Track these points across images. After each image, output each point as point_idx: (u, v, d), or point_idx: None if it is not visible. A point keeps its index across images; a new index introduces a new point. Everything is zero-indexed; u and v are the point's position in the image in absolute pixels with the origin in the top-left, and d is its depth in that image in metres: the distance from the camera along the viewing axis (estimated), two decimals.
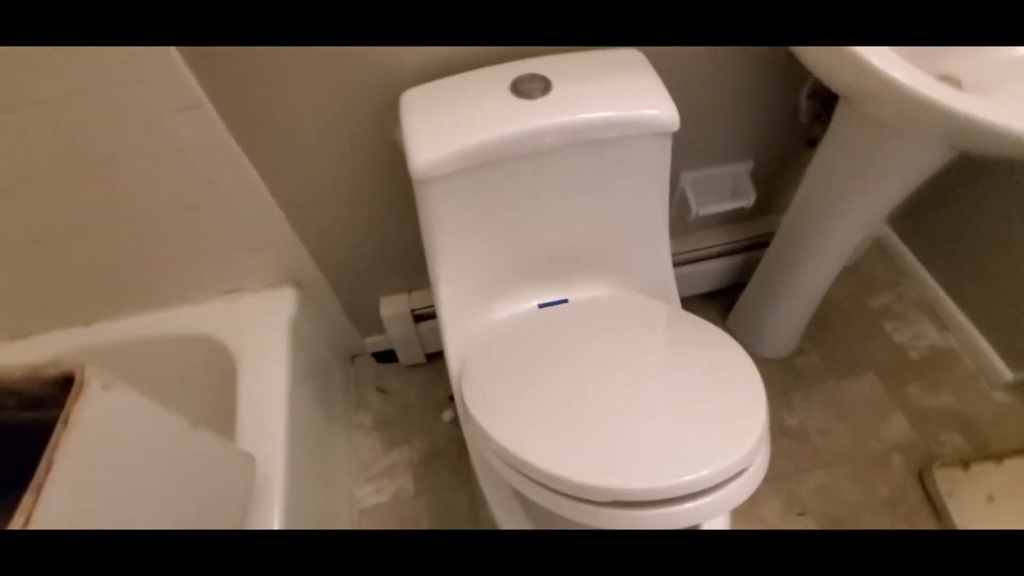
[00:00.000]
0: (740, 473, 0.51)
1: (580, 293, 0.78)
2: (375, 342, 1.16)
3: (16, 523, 0.36)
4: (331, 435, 0.99)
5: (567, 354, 0.66)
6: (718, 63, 0.78)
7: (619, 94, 0.61)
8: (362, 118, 0.72)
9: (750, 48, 0.77)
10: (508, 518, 0.68)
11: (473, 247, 0.69)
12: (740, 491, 0.51)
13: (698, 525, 0.60)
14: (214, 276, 0.88)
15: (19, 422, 0.49)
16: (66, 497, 0.39)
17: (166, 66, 0.58)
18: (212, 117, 0.65)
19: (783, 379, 1.13)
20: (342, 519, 0.94)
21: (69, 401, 0.41)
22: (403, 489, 1.02)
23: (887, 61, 0.55)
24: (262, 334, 0.87)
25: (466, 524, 0.98)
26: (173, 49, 0.57)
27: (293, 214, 0.82)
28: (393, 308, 1.03)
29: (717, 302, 1.22)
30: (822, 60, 0.64)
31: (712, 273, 1.15)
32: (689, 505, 0.49)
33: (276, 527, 0.68)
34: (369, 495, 1.01)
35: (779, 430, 1.07)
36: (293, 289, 0.93)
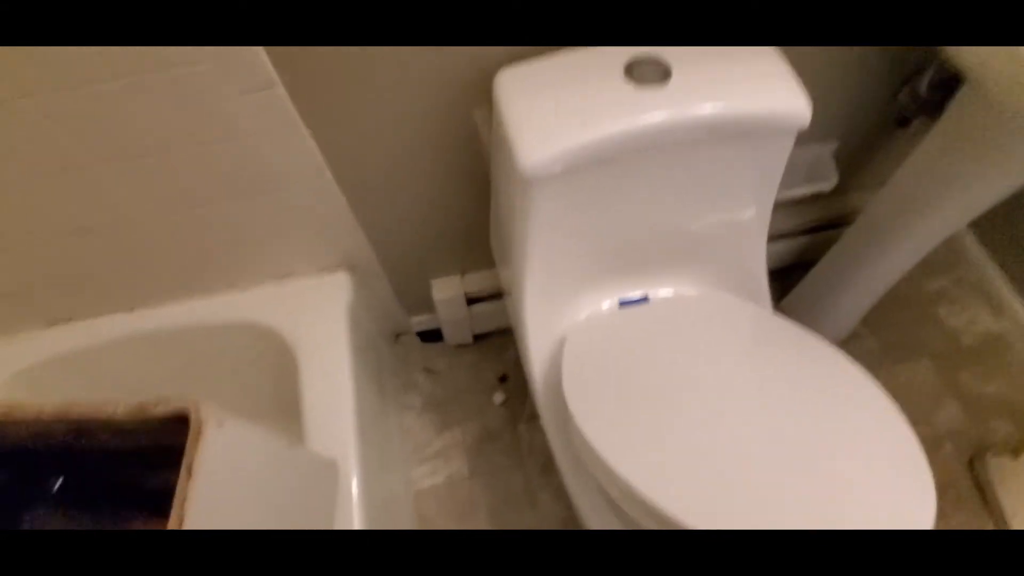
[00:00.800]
0: None
1: (663, 290, 0.74)
2: (420, 321, 1.12)
3: None
4: (386, 417, 0.97)
5: (676, 369, 0.63)
6: None
7: (747, 85, 0.55)
8: (439, 96, 0.65)
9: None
10: (597, 519, 0.67)
11: (566, 245, 0.64)
12: None
13: None
14: (266, 260, 0.82)
15: (111, 445, 0.45)
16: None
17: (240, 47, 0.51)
18: (282, 97, 0.57)
19: None
20: (401, 502, 0.93)
21: (189, 448, 0.37)
22: (457, 471, 1.01)
23: None
24: (320, 323, 0.83)
25: (523, 506, 0.98)
26: None
27: (355, 197, 0.76)
28: (446, 291, 0.98)
29: (771, 281, 1.18)
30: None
31: (773, 254, 1.10)
32: None
33: (357, 526, 0.67)
34: (424, 476, 1.01)
35: None
36: (347, 274, 0.88)
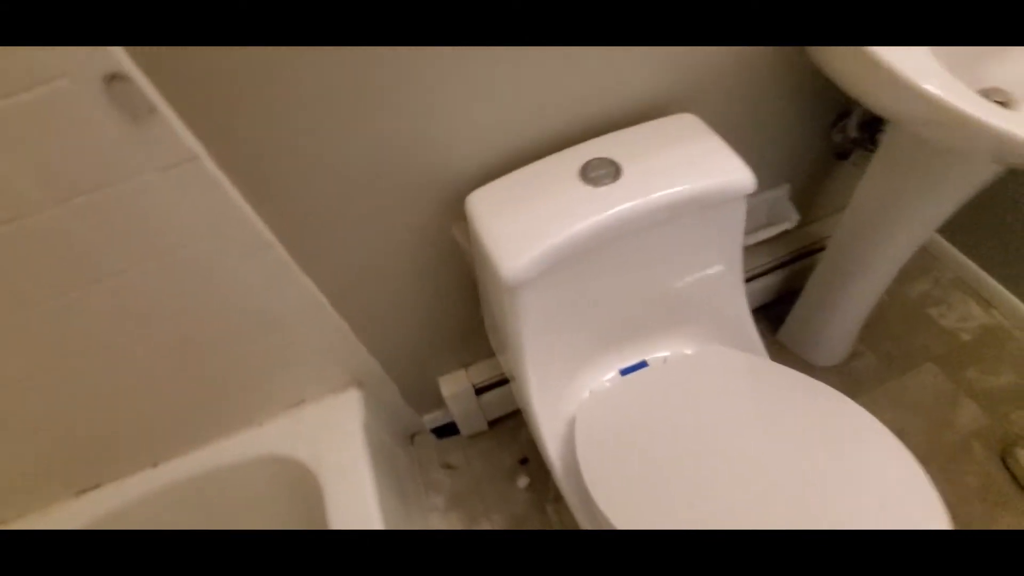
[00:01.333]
0: None
1: (660, 353, 0.77)
2: (433, 418, 1.14)
3: None
4: (411, 524, 0.96)
5: (682, 428, 0.65)
6: (751, 97, 0.78)
7: (689, 165, 0.61)
8: (419, 218, 0.71)
9: (781, 80, 0.77)
10: None
11: (558, 334, 0.68)
12: None
13: None
14: (278, 392, 0.86)
15: None
16: None
17: (231, 210, 0.57)
18: (280, 254, 0.63)
19: (844, 386, 1.12)
20: None
21: None
22: None
23: (932, 80, 0.56)
24: (337, 443, 0.85)
25: None
26: (239, 198, 0.56)
27: (354, 320, 0.80)
28: (454, 387, 1.01)
29: (762, 317, 1.22)
30: (870, 90, 0.64)
31: (757, 291, 1.15)
32: None
33: None
34: None
35: None
36: (357, 390, 0.91)
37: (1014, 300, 1.14)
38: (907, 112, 0.64)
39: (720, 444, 0.62)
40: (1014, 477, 0.99)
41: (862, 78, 0.62)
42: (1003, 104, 0.67)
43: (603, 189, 0.60)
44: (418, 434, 1.17)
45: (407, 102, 0.57)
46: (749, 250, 1.09)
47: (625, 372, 0.77)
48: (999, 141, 0.56)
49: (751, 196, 0.94)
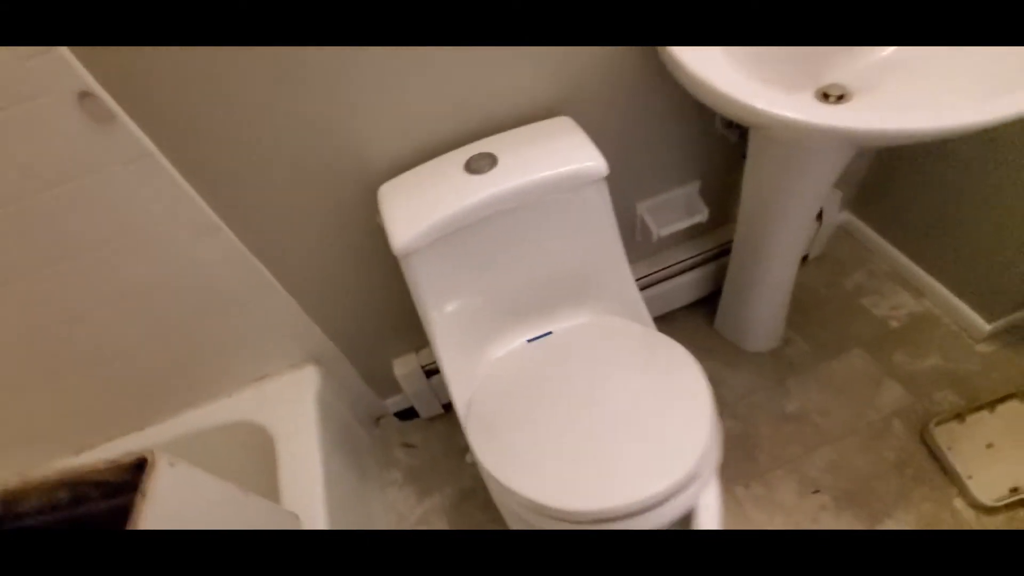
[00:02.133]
0: (693, 479, 0.61)
1: (563, 323, 0.88)
2: (395, 402, 1.26)
3: None
4: (366, 494, 1.07)
5: (555, 387, 0.76)
6: (647, 104, 0.89)
7: (554, 156, 0.73)
8: (352, 210, 0.85)
9: (675, 85, 0.89)
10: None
11: (460, 302, 0.81)
12: (692, 496, 0.61)
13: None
14: (243, 367, 1.00)
15: (101, 511, 0.59)
16: None
17: (183, 198, 0.72)
18: (231, 238, 0.78)
19: (776, 369, 1.20)
20: None
21: (144, 477, 0.52)
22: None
23: (757, 96, 0.65)
24: (293, 412, 0.98)
25: None
26: (188, 187, 0.71)
27: (306, 302, 0.94)
28: (405, 368, 1.13)
29: (702, 310, 1.30)
30: (709, 99, 0.74)
31: (691, 284, 1.24)
32: (651, 513, 0.60)
33: None
34: None
35: (781, 417, 1.13)
36: (314, 367, 1.04)
37: (943, 290, 1.20)
38: (726, 112, 0.73)
39: (581, 391, 0.73)
40: (931, 452, 1.04)
41: (686, 83, 0.72)
42: (841, 98, 0.77)
43: (480, 176, 0.73)
44: (383, 417, 1.29)
45: (333, 100, 0.71)
46: (674, 244, 1.20)
47: (531, 340, 0.88)
48: (817, 132, 0.65)
49: (665, 192, 1.06)
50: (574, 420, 0.71)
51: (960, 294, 1.17)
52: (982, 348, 1.15)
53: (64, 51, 0.56)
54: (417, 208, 0.72)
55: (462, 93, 0.76)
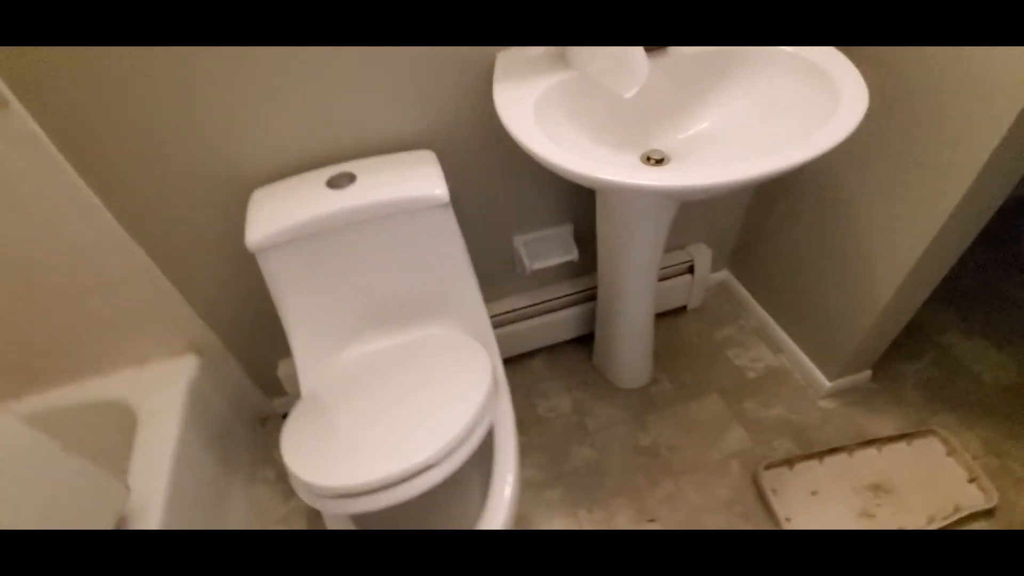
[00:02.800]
0: (429, 467, 0.70)
1: (414, 335, 0.96)
2: (284, 403, 1.31)
3: None
4: (228, 487, 1.11)
5: (372, 390, 0.84)
6: (512, 147, 1.01)
7: (404, 181, 0.84)
8: (233, 212, 0.93)
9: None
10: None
11: (315, 303, 0.89)
12: (422, 484, 0.70)
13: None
14: (123, 349, 1.05)
15: None
16: None
17: (65, 180, 0.80)
18: (108, 219, 0.86)
19: (640, 405, 1.29)
20: None
21: None
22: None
23: (567, 159, 0.74)
24: (161, 396, 1.03)
25: None
26: (68, 167, 0.80)
27: (189, 293, 1.01)
28: (288, 369, 1.19)
29: (585, 345, 1.40)
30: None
31: (572, 321, 1.34)
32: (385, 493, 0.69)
33: None
34: None
35: (634, 449, 1.21)
36: (195, 357, 1.10)
37: (795, 348, 1.32)
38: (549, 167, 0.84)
39: (391, 394, 0.82)
40: (760, 493, 1.12)
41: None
42: (660, 161, 0.89)
43: (336, 191, 0.83)
44: (270, 418, 1.34)
45: (218, 108, 0.80)
46: (555, 280, 1.31)
47: (378, 347, 0.96)
48: (636, 192, 0.75)
49: (541, 230, 1.17)
50: (372, 419, 0.79)
51: (808, 353, 1.29)
52: (823, 403, 1.25)
53: None
54: (275, 212, 0.81)
55: (337, 118, 0.87)
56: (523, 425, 1.27)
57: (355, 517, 0.82)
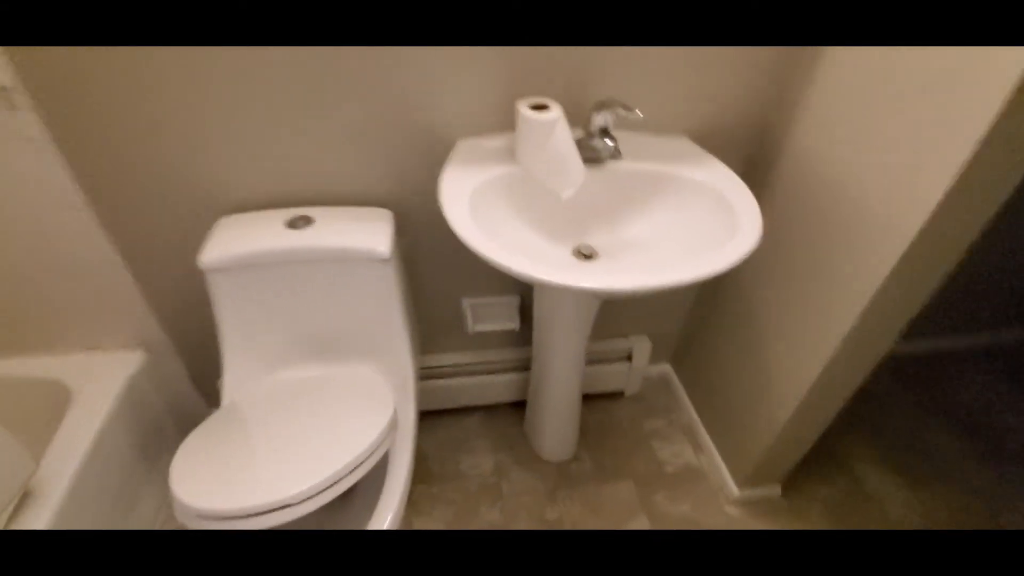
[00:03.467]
0: (287, 506, 0.75)
1: (336, 371, 1.03)
2: None
3: None
4: (144, 482, 1.15)
5: (272, 411, 0.91)
6: None
7: (355, 232, 0.93)
8: (201, 232, 1.03)
9: None
10: None
11: (256, 327, 0.97)
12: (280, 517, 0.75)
13: None
14: (77, 333, 1.13)
15: None
16: None
17: (57, 173, 0.90)
18: (88, 216, 0.96)
19: (555, 478, 1.32)
20: None
21: None
22: None
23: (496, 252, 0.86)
24: (101, 384, 1.10)
25: None
26: (63, 164, 0.90)
27: (148, 292, 1.10)
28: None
29: (521, 411, 1.45)
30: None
31: (509, 385, 1.41)
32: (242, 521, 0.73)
33: (40, 527, 0.85)
34: None
35: (539, 520, 1.24)
36: (143, 353, 1.17)
37: (715, 451, 1.36)
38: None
39: (290, 424, 0.89)
40: None
41: None
42: (588, 256, 0.99)
43: (293, 231, 0.92)
44: None
45: (204, 144, 0.92)
46: (498, 345, 1.38)
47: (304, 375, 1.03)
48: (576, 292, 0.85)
49: (489, 296, 1.25)
50: (261, 446, 0.85)
51: (725, 458, 1.33)
52: (730, 509, 1.29)
53: None
54: (232, 240, 0.91)
55: (310, 168, 0.98)
56: (441, 478, 1.31)
57: None
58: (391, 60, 0.87)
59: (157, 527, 1.18)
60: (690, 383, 1.49)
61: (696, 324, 1.41)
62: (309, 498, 0.75)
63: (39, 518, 0.87)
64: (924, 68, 0.73)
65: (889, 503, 1.32)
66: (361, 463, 0.81)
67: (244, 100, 0.88)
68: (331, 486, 0.77)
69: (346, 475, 0.79)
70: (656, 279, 0.73)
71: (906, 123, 0.77)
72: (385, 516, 0.84)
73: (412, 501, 1.26)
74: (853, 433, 1.45)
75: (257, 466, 0.80)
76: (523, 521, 1.23)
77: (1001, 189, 0.74)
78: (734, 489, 1.29)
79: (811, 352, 1.00)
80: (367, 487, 0.96)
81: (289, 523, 0.74)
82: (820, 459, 1.38)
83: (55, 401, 1.10)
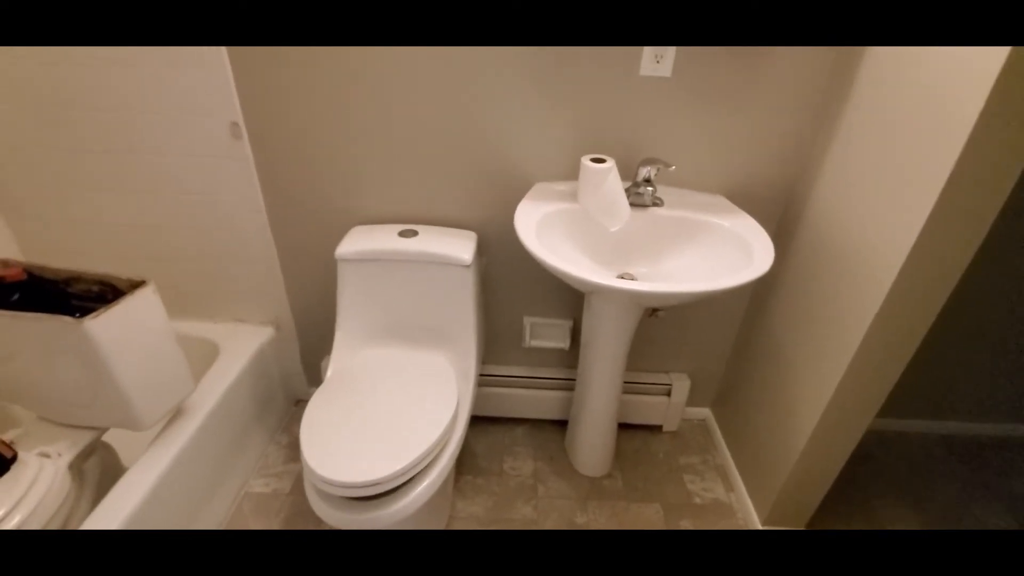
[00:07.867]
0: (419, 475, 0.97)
1: (420, 356, 1.29)
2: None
3: (93, 315, 0.91)
4: (253, 433, 1.44)
5: (375, 388, 1.15)
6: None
7: (448, 245, 1.22)
8: (336, 236, 1.37)
9: None
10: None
11: (362, 308, 1.26)
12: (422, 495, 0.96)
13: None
14: (232, 308, 1.49)
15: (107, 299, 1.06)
16: (114, 326, 0.94)
17: (252, 185, 1.28)
18: (265, 220, 1.33)
19: (588, 490, 1.45)
20: (228, 489, 1.34)
21: (137, 290, 0.99)
22: (282, 488, 1.40)
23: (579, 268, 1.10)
24: (240, 348, 1.43)
25: (311, 520, 1.32)
26: (257, 179, 1.28)
27: (289, 282, 1.44)
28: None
29: (562, 429, 1.61)
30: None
31: (556, 403, 1.59)
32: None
33: (185, 437, 1.15)
34: (258, 485, 1.41)
35: (568, 522, 1.37)
36: (273, 329, 1.51)
37: (744, 491, 1.43)
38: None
39: (385, 390, 1.13)
40: None
41: None
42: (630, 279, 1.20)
43: (401, 239, 1.23)
44: (303, 401, 1.68)
45: (354, 170, 1.28)
46: (553, 363, 1.58)
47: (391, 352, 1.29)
48: (609, 292, 1.07)
49: (547, 317, 1.48)
50: (367, 414, 1.09)
51: (754, 500, 1.40)
52: None
53: (232, 86, 1.17)
54: (359, 241, 1.23)
55: (421, 196, 1.30)
56: (487, 473, 1.49)
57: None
58: (487, 120, 1.19)
59: (256, 470, 1.45)
60: (728, 428, 1.58)
61: (734, 372, 1.53)
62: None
63: (184, 431, 1.16)
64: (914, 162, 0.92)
65: None
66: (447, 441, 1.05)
67: (380, 150, 1.23)
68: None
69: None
70: (679, 287, 0.93)
71: (903, 195, 0.94)
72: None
73: (459, 488, 1.44)
74: (887, 495, 1.46)
75: (375, 438, 1.02)
76: (553, 521, 1.37)
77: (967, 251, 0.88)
78: (757, 524, 1.35)
79: (817, 391, 1.12)
80: None
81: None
82: (845, 505, 1.40)
83: (207, 354, 1.44)
